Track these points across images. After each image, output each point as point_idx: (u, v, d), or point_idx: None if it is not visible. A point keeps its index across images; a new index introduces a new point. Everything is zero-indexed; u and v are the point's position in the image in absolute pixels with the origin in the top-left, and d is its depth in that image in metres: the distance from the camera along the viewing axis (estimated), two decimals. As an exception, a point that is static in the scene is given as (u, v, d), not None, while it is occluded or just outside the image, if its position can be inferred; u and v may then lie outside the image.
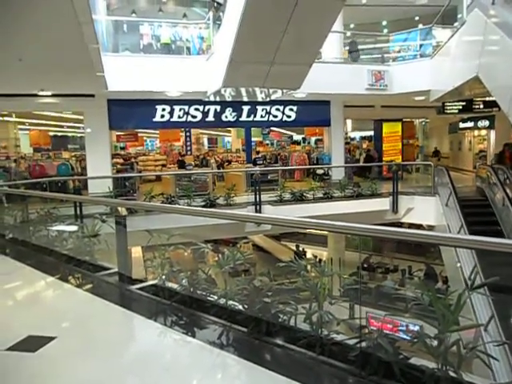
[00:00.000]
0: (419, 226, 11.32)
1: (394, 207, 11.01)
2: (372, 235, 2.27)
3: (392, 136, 15.63)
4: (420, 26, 15.39)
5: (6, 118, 14.57)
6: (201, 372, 2.70)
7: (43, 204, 7.23)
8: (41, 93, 10.52)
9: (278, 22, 7.23)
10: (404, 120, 16.32)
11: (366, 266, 14.33)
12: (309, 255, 16.95)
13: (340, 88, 12.29)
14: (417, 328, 3.03)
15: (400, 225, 10.97)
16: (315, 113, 14.17)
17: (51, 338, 2.96)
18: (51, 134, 17.40)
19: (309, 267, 3.00)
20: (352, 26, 18.15)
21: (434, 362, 2.18)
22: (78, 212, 6.94)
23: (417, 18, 17.73)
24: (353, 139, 23.44)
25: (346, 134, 19.69)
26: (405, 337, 2.49)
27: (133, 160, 15.30)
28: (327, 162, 14.55)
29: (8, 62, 7.14)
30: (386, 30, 18.73)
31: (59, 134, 19.00)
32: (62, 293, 4.36)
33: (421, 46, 13.32)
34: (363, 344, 2.42)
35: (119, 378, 2.62)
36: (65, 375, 2.65)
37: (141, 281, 4.42)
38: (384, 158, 15.34)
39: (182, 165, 13.59)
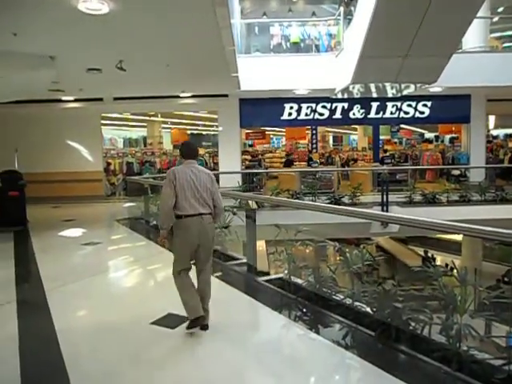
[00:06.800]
0: None
1: (548, 215, 9.56)
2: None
3: (547, 133, 13.56)
4: None
5: (152, 118, 16.40)
6: (323, 369, 2.69)
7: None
8: (182, 94, 11.64)
9: (414, 11, 6.77)
10: None
11: (506, 279, 12.73)
12: (438, 262, 15.70)
13: (483, 80, 11.05)
14: None
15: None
16: (453, 108, 12.96)
17: (187, 318, 3.24)
18: (188, 132, 19.04)
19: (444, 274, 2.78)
20: (501, 9, 16.14)
21: None
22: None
23: None
24: (495, 137, 20.95)
25: (488, 131, 17.67)
26: None
27: (260, 157, 15.87)
28: (464, 162, 13.25)
29: (157, 68, 8.03)
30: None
31: (195, 132, 20.63)
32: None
33: None
34: None
35: (245, 363, 2.76)
36: (199, 352, 2.89)
37: (265, 273, 4.59)
38: (536, 159, 13.39)
39: (307, 162, 13.69)
